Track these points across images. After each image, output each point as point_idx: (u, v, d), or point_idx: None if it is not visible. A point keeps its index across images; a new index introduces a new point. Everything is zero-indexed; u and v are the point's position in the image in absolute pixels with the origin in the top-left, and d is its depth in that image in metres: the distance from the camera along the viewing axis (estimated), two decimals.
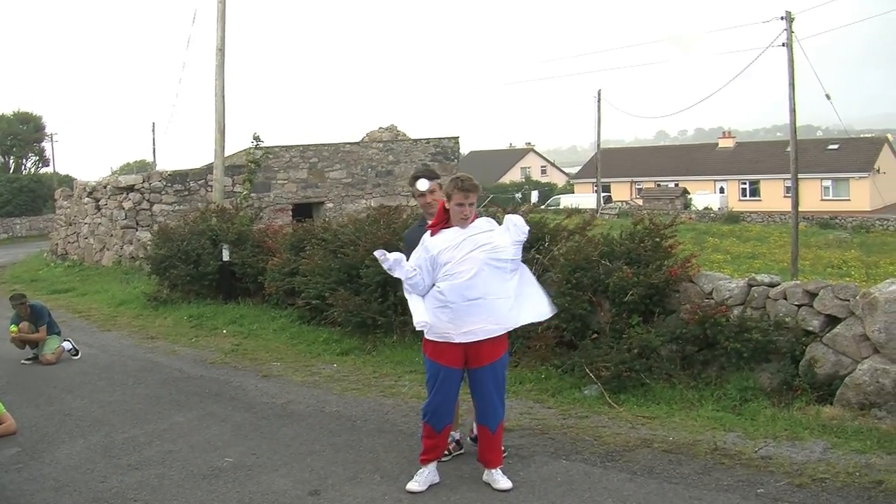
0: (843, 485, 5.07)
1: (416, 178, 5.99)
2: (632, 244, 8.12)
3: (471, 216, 5.28)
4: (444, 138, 28.44)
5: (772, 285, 7.30)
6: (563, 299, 7.72)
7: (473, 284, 5.09)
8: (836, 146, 59.01)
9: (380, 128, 30.39)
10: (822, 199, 55.23)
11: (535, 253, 8.63)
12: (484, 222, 5.34)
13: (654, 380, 7.22)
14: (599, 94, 52.89)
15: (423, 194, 5.91)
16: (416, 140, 28.44)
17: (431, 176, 5.99)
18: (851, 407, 6.35)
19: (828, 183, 56.91)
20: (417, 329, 5.29)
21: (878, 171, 56.70)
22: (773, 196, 55.54)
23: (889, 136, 68.63)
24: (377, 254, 5.40)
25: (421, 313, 5.23)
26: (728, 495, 5.02)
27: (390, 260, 5.30)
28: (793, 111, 25.30)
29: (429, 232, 5.35)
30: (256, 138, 21.42)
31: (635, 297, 7.53)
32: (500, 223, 5.40)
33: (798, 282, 7.33)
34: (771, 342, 6.90)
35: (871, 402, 6.26)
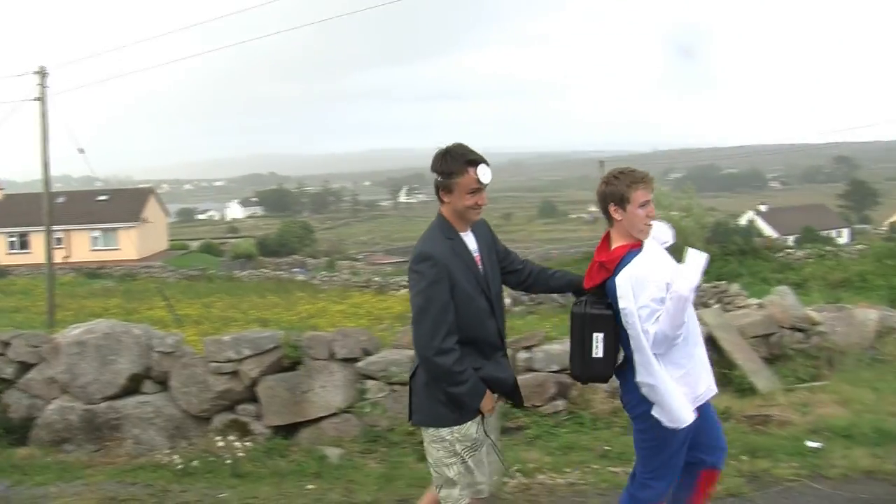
0: None
1: (475, 161, 3.69)
2: None
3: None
4: None
5: None
6: None
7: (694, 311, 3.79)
8: (106, 197, 60.86)
9: None
10: (93, 250, 56.44)
11: None
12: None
13: None
14: None
15: (481, 188, 3.74)
16: None
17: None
18: (45, 445, 6.88)
19: (97, 233, 58.40)
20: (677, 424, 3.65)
21: (145, 220, 60.04)
22: (43, 248, 54.82)
23: (165, 185, 73.08)
24: (701, 261, 3.61)
25: (678, 394, 3.67)
26: None
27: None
28: (45, 164, 25.75)
29: (631, 266, 3.66)
30: None
31: None
32: None
33: None
34: None
35: (62, 438, 6.88)
